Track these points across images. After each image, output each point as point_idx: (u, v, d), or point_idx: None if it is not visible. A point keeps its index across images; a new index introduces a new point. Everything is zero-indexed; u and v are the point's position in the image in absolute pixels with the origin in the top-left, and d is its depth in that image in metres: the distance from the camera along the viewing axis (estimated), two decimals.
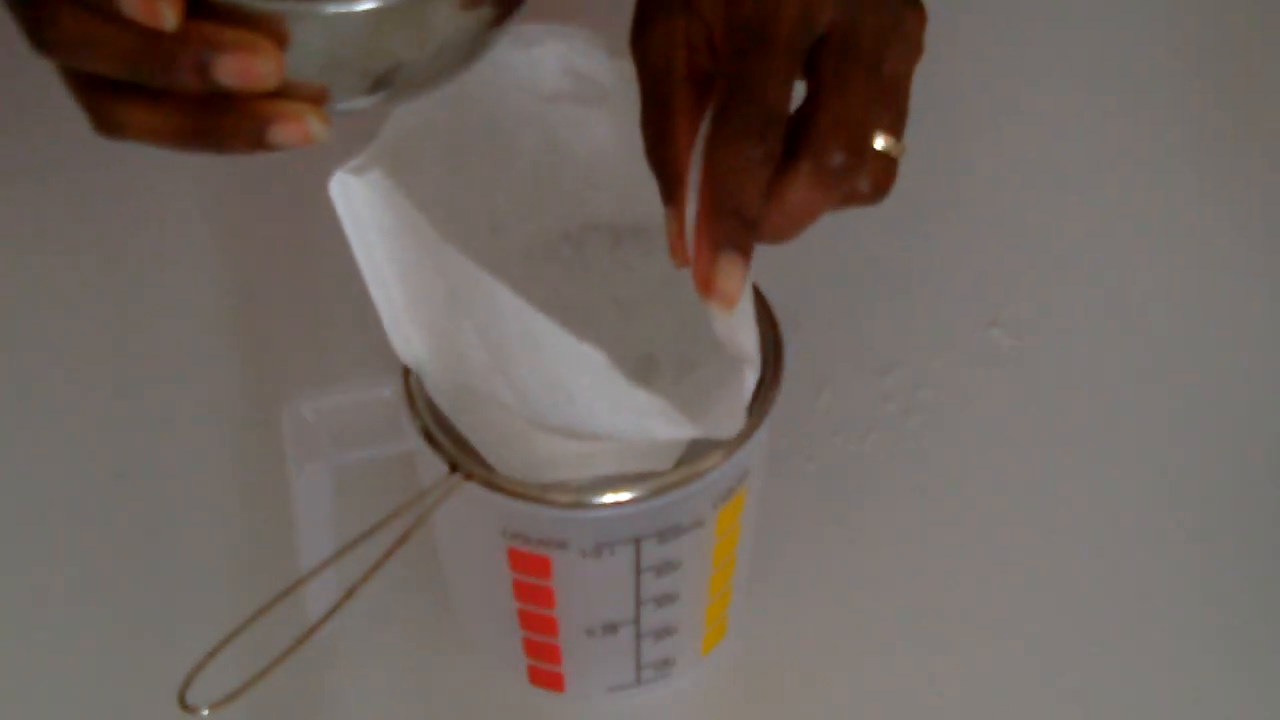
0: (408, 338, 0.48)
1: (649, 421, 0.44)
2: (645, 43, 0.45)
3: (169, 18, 0.38)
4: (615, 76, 0.50)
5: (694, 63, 0.45)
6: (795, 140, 0.44)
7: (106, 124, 0.41)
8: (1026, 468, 0.65)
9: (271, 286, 0.71)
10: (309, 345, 0.68)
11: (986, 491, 0.64)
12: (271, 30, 0.39)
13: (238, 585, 0.61)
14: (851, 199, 0.45)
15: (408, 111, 0.47)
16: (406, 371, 0.49)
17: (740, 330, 0.45)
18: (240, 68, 0.39)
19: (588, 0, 0.60)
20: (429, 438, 0.48)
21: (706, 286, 0.43)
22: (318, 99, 0.41)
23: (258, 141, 0.41)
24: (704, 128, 0.44)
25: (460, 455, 0.48)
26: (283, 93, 0.40)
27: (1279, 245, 0.72)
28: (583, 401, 0.44)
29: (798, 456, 0.65)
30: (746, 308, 0.45)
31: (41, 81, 0.56)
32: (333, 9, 0.39)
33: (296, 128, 0.40)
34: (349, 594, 0.46)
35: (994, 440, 0.66)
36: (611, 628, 0.53)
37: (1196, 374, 0.68)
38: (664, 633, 0.54)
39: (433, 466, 0.48)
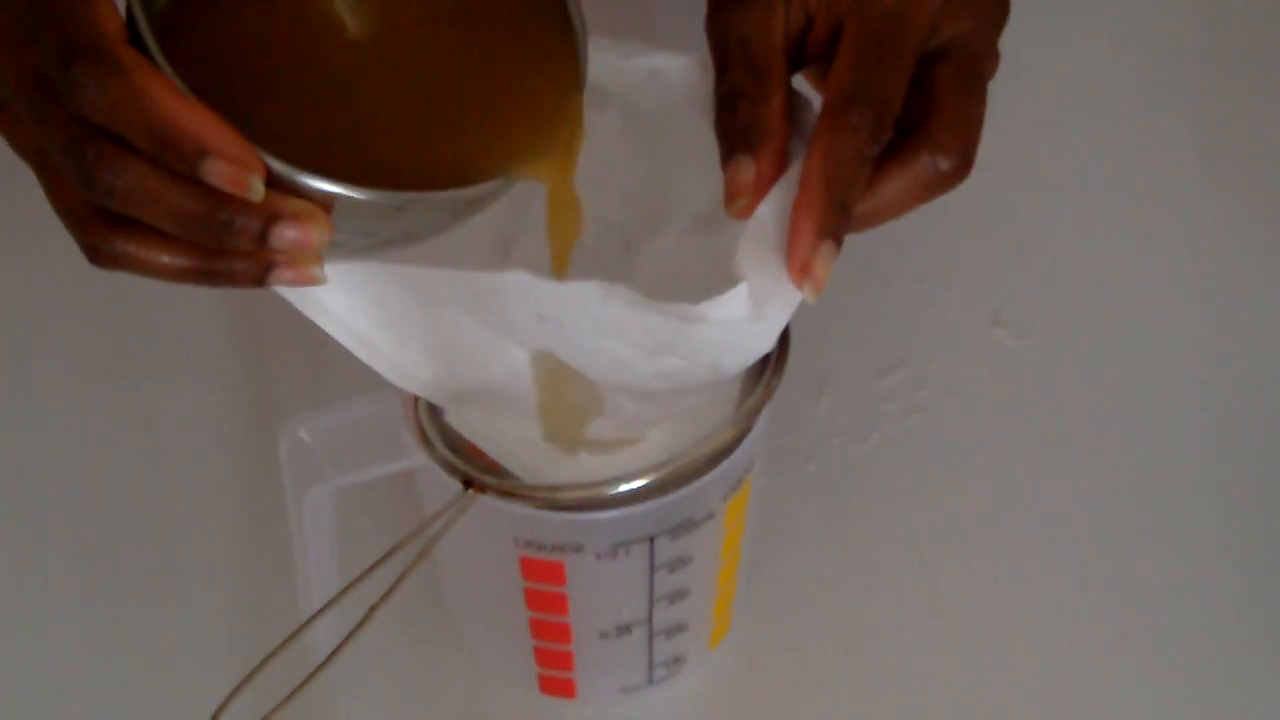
0: (407, 373, 0.48)
1: (621, 312, 0.43)
2: (740, 16, 0.46)
3: (257, 189, 0.39)
4: (624, 80, 0.50)
5: (789, 43, 0.46)
6: (903, 138, 0.45)
7: (104, 257, 0.41)
8: (1027, 467, 0.65)
9: (267, 303, 0.70)
10: (303, 364, 0.67)
11: (987, 491, 0.65)
12: (323, 201, 0.40)
13: (239, 612, 0.61)
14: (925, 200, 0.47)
15: None
16: (415, 398, 0.49)
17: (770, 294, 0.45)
18: (297, 238, 0.40)
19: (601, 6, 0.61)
20: (441, 459, 0.48)
21: (803, 272, 0.43)
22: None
23: (258, 281, 0.41)
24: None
25: (473, 470, 0.48)
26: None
27: None
28: (568, 322, 0.44)
29: (798, 456, 0.65)
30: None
31: None
32: (386, 198, 0.40)
33: (299, 274, 0.41)
34: (356, 628, 0.46)
35: (995, 440, 0.66)
36: (625, 629, 0.53)
37: (1199, 373, 0.68)
38: (675, 630, 0.55)
39: (439, 484, 0.48)
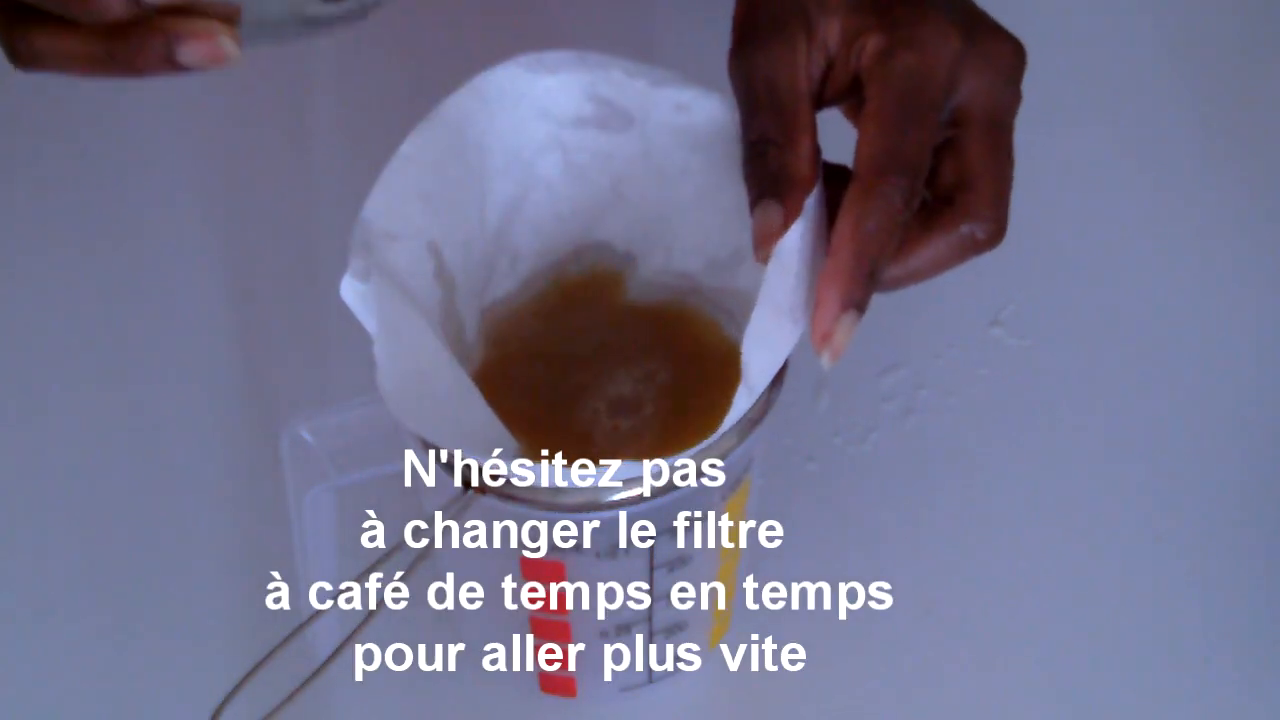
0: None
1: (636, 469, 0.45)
2: (765, 60, 0.46)
3: None
4: (650, 105, 0.50)
5: (812, 87, 0.47)
6: (937, 205, 0.46)
7: (25, 55, 0.43)
8: (1027, 467, 0.65)
9: (268, 301, 0.70)
10: (304, 364, 0.67)
11: (987, 491, 0.65)
12: (225, 14, 0.40)
13: (239, 612, 0.61)
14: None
15: (400, 173, 0.48)
16: None
17: (762, 356, 0.45)
18: (207, 52, 0.41)
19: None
20: (439, 459, 0.48)
21: (825, 339, 0.44)
22: (230, 17, 0.42)
23: (169, 61, 0.41)
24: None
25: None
26: (195, 10, 0.41)
27: None
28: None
29: (798, 456, 0.65)
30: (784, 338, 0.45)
31: (42, 88, 0.56)
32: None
33: (208, 46, 0.41)
34: (357, 629, 0.46)
35: (995, 440, 0.66)
36: (624, 628, 0.53)
37: (1199, 373, 0.68)
38: (675, 629, 0.55)
39: (439, 486, 0.48)
